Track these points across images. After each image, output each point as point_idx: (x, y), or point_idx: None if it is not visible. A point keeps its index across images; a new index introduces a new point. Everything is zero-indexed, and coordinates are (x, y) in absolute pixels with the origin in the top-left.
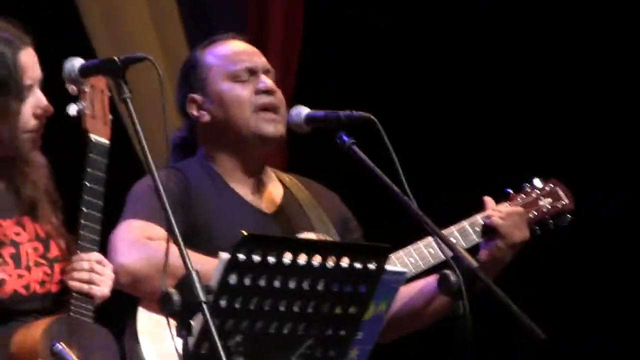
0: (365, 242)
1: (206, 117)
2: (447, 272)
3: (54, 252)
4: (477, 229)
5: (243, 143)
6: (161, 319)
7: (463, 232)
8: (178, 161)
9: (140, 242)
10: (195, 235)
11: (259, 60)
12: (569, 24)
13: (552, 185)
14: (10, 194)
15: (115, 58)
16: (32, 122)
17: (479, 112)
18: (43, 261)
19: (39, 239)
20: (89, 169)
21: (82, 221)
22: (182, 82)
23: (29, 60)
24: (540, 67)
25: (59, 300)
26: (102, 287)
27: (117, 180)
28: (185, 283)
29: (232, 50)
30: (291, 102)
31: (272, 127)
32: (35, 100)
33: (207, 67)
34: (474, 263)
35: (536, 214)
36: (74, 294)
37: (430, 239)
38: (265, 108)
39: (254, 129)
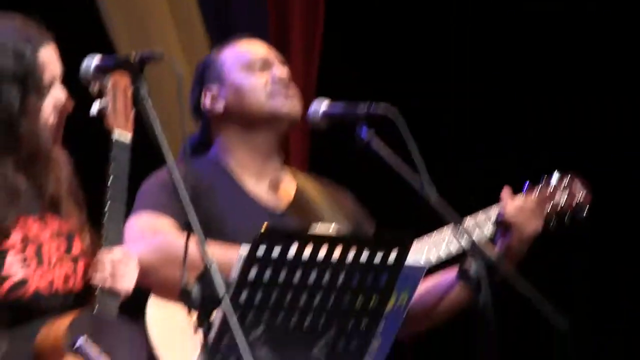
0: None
1: (220, 105)
2: (467, 263)
3: (77, 248)
4: (492, 220)
5: (257, 126)
6: (172, 310)
7: (479, 224)
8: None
9: (148, 234)
10: (205, 232)
11: (275, 53)
12: None
13: (569, 179)
14: (33, 191)
15: (132, 55)
16: (52, 118)
17: (501, 104)
18: (66, 258)
19: (62, 235)
20: (112, 164)
21: (106, 216)
22: (197, 80)
23: (49, 56)
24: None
25: (82, 297)
26: (126, 282)
27: (140, 174)
28: (204, 277)
29: (247, 44)
30: (314, 96)
31: (287, 104)
32: (56, 96)
33: (223, 61)
34: (493, 254)
35: (551, 208)
36: (98, 289)
37: (448, 230)
38: (279, 90)
39: (268, 108)
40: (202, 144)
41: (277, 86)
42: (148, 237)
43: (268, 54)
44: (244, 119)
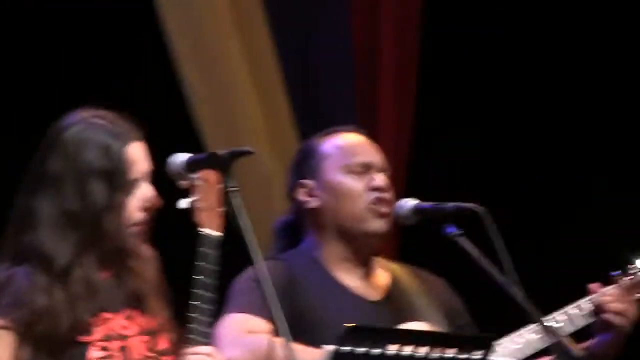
0: (471, 332)
1: (315, 203)
2: None
3: (163, 345)
4: (585, 313)
5: (350, 235)
6: None
7: (571, 317)
8: (282, 246)
9: (243, 336)
10: (298, 327)
11: (376, 157)
12: None
13: None
14: (118, 287)
15: (220, 152)
16: (138, 215)
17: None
18: (152, 355)
19: (147, 332)
20: (200, 262)
21: (193, 314)
22: (294, 168)
23: (137, 153)
24: None
25: None
26: None
27: (228, 271)
28: None
29: (350, 143)
30: (401, 195)
31: (381, 223)
32: (143, 193)
33: (322, 156)
34: (579, 352)
35: None
36: None
37: (534, 326)
38: (377, 202)
39: (362, 224)
40: (291, 228)
41: (375, 196)
42: (241, 339)
43: (370, 157)
44: (338, 224)
